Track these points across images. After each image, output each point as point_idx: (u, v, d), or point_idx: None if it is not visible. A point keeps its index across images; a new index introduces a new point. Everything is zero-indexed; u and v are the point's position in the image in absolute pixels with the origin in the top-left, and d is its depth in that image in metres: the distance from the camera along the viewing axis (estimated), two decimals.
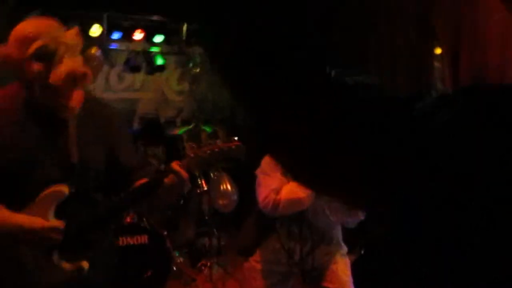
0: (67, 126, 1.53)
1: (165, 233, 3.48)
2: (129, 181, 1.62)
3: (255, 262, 2.19)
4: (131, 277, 3.05)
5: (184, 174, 1.53)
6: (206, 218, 3.93)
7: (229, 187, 3.53)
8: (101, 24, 4.45)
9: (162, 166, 1.65)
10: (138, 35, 4.72)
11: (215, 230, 4.00)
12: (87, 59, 1.58)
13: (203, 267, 3.80)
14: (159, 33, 4.81)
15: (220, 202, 3.50)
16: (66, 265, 1.49)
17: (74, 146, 1.52)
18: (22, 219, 1.45)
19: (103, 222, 1.62)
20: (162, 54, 4.93)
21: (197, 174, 1.63)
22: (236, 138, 1.62)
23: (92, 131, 1.58)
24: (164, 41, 4.90)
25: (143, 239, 3.10)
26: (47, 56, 1.42)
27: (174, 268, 3.60)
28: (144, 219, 3.23)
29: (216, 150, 1.57)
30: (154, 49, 4.88)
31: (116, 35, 4.68)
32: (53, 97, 1.48)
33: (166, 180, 1.53)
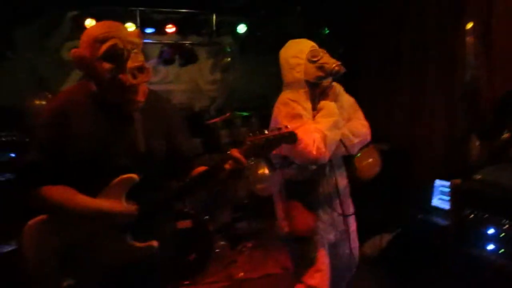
0: (134, 119, 1.65)
1: (206, 217, 3.64)
2: (188, 168, 1.73)
3: None
4: (176, 260, 3.22)
5: (243, 160, 1.58)
6: (245, 202, 4.06)
7: (266, 171, 3.64)
8: (134, 20, 4.61)
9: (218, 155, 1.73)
10: (170, 29, 4.88)
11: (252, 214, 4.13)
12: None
13: (243, 249, 3.96)
14: (190, 25, 4.95)
15: (258, 186, 3.63)
16: (138, 244, 1.60)
17: (141, 137, 1.64)
18: (101, 202, 1.56)
19: (167, 206, 1.73)
20: (193, 45, 5.07)
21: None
22: (287, 126, 1.64)
23: (154, 123, 1.69)
24: (195, 33, 5.04)
25: (187, 223, 3.27)
26: (116, 56, 1.54)
27: (216, 251, 3.78)
28: (187, 204, 3.41)
29: (271, 137, 1.60)
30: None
31: (149, 30, 4.85)
32: (122, 93, 1.60)
33: (226, 166, 1.60)
